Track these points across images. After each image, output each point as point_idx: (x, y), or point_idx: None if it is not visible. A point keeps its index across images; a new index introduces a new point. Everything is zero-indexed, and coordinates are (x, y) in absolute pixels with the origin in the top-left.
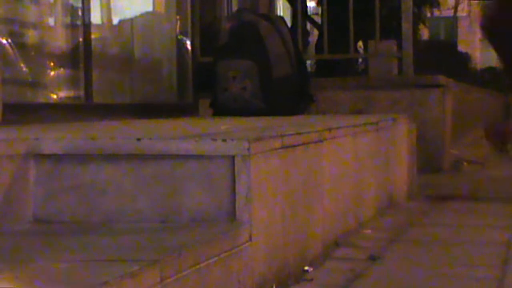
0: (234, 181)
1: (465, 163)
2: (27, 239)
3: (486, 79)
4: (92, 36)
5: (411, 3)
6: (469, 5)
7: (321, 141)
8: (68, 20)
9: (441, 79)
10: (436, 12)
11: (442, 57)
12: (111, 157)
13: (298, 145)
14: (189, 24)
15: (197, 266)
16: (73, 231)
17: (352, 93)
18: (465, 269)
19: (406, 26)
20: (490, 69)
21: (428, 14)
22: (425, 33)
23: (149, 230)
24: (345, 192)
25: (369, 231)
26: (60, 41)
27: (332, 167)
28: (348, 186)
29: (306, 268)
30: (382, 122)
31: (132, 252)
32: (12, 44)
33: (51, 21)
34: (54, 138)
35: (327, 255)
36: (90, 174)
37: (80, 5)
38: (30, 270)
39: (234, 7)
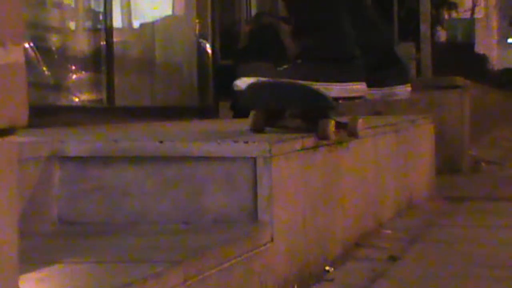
0: (255, 183)
1: (483, 164)
2: (52, 240)
3: (503, 80)
4: (114, 40)
5: (429, 5)
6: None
7: (341, 142)
8: (90, 24)
9: (459, 80)
10: (454, 14)
11: (460, 58)
12: (134, 159)
13: (318, 146)
14: (209, 28)
15: (220, 267)
16: (97, 232)
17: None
18: (485, 270)
19: (424, 28)
20: (507, 71)
21: (446, 16)
22: (442, 35)
23: (172, 231)
24: (365, 193)
25: (389, 231)
26: (82, 45)
27: (352, 168)
28: (368, 187)
29: (327, 268)
30: (401, 124)
31: (156, 253)
32: (36, 49)
33: (73, 25)
34: (78, 141)
35: (348, 256)
36: (113, 176)
37: (102, 9)
38: (55, 270)
39: (254, 11)
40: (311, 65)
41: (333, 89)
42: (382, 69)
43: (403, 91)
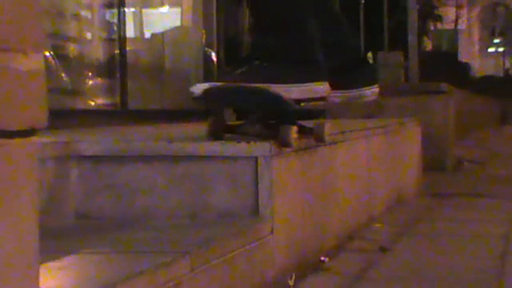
0: (257, 180)
1: (466, 163)
2: (70, 233)
3: (484, 86)
4: (127, 49)
5: (416, 17)
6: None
7: (335, 143)
8: (105, 34)
9: (444, 86)
10: (439, 25)
11: (444, 66)
12: (145, 158)
13: (315, 146)
14: (215, 37)
15: (224, 257)
16: (111, 226)
17: None
18: (468, 260)
19: (412, 38)
20: (488, 78)
21: (432, 27)
22: (428, 45)
23: (180, 225)
24: (358, 190)
25: (380, 225)
26: (98, 53)
27: (346, 166)
28: (360, 184)
29: (322, 258)
30: (390, 126)
31: (165, 245)
32: (55, 57)
33: (90, 35)
34: (93, 141)
35: (342, 247)
36: (126, 174)
37: (116, 21)
38: (72, 260)
39: None
40: (269, 66)
41: (293, 91)
42: (350, 71)
43: (371, 92)
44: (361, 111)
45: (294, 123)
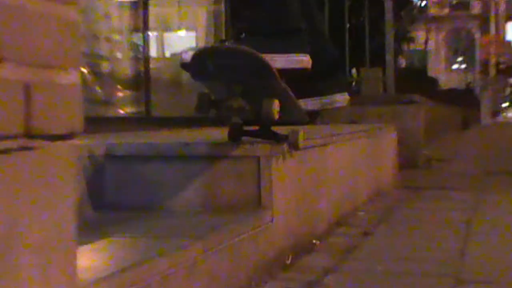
0: (259, 176)
1: (434, 161)
2: (103, 221)
3: (448, 97)
4: (150, 66)
5: (392, 39)
6: (437, 41)
7: (325, 144)
8: (132, 54)
9: (416, 97)
10: (411, 46)
11: (416, 80)
12: (166, 158)
13: (308, 147)
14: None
15: (232, 241)
16: (137, 214)
17: (349, 108)
18: (436, 242)
19: (389, 57)
20: (452, 90)
21: (405, 48)
22: (403, 62)
23: (195, 213)
24: (344, 184)
25: (362, 213)
26: (126, 70)
27: (334, 164)
28: (346, 179)
29: (314, 241)
30: (371, 130)
31: (182, 230)
32: (91, 72)
33: (120, 55)
34: (123, 144)
35: (331, 232)
36: (149, 171)
37: (141, 43)
38: (104, 243)
39: None
40: (254, 39)
41: (277, 60)
42: (325, 79)
43: (342, 99)
44: (347, 117)
45: (275, 99)
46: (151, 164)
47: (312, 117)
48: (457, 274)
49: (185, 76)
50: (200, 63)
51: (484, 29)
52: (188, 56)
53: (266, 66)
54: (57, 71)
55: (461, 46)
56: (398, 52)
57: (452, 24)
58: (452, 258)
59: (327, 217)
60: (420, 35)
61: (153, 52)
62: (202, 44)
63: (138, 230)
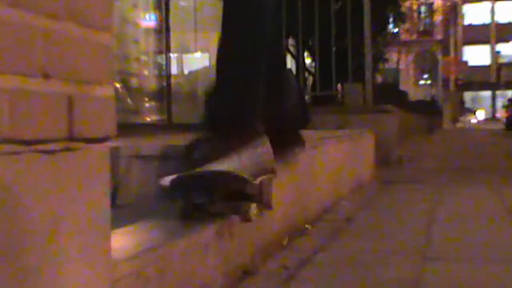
0: None
1: (404, 160)
2: (131, 208)
3: (416, 107)
4: (172, 82)
5: (371, 60)
6: (407, 61)
7: (316, 146)
8: (156, 72)
9: (389, 107)
10: (386, 65)
11: (390, 93)
12: (182, 157)
13: (301, 152)
14: None
15: (240, 225)
16: (159, 203)
17: (335, 116)
18: (407, 226)
19: (368, 74)
20: (419, 101)
21: (381, 66)
22: (379, 79)
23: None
24: (331, 178)
25: (346, 202)
26: (152, 85)
27: (323, 162)
28: (333, 174)
29: (306, 226)
30: (353, 134)
31: (189, 222)
32: (122, 87)
33: (146, 72)
34: (148, 146)
35: (320, 218)
36: (169, 167)
37: (164, 62)
38: (134, 227)
39: None
40: (220, 139)
41: (245, 161)
42: (285, 147)
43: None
44: (333, 124)
45: (253, 200)
46: (170, 162)
47: (305, 124)
48: (424, 252)
49: (200, 91)
50: (178, 187)
51: (445, 52)
52: (165, 182)
53: (242, 182)
54: (94, 86)
55: (427, 65)
56: (375, 70)
57: (419, 47)
58: (419, 239)
59: (317, 206)
60: (393, 56)
61: (173, 70)
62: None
63: (160, 215)
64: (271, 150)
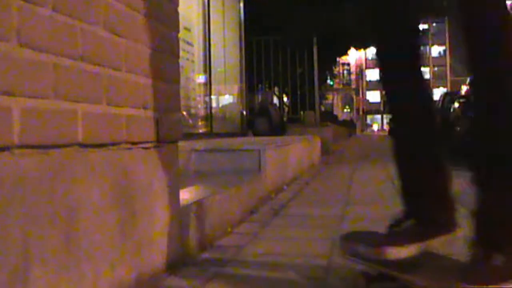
0: (260, 158)
1: (336, 151)
2: (192, 179)
3: (342, 124)
4: (212, 110)
5: (318, 97)
6: (337, 99)
7: (288, 145)
8: (204, 105)
9: (328, 123)
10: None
11: (328, 116)
12: (221, 150)
13: (281, 146)
14: (244, 102)
15: (247, 188)
16: (207, 176)
17: (299, 128)
18: (338, 185)
19: (317, 106)
20: (344, 120)
21: (323, 102)
22: (323, 108)
23: (230, 175)
24: (297, 161)
25: (305, 174)
26: (201, 110)
27: (293, 153)
28: (298, 159)
29: (284, 187)
30: (309, 138)
31: (228, 181)
32: (185, 113)
33: (199, 105)
34: (200, 144)
35: (291, 182)
36: (213, 157)
37: (208, 100)
38: (192, 189)
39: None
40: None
41: None
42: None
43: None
44: (299, 133)
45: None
46: (212, 154)
47: (283, 131)
48: (347, 200)
49: (226, 115)
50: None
51: (357, 93)
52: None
53: None
54: (171, 112)
55: (347, 101)
56: (320, 103)
57: (344, 92)
58: (344, 192)
59: (290, 176)
60: (330, 95)
61: (213, 104)
62: (236, 93)
63: (208, 182)
64: None
